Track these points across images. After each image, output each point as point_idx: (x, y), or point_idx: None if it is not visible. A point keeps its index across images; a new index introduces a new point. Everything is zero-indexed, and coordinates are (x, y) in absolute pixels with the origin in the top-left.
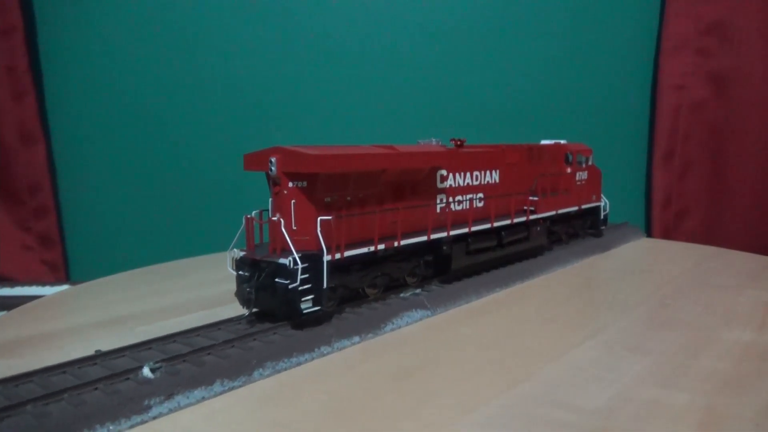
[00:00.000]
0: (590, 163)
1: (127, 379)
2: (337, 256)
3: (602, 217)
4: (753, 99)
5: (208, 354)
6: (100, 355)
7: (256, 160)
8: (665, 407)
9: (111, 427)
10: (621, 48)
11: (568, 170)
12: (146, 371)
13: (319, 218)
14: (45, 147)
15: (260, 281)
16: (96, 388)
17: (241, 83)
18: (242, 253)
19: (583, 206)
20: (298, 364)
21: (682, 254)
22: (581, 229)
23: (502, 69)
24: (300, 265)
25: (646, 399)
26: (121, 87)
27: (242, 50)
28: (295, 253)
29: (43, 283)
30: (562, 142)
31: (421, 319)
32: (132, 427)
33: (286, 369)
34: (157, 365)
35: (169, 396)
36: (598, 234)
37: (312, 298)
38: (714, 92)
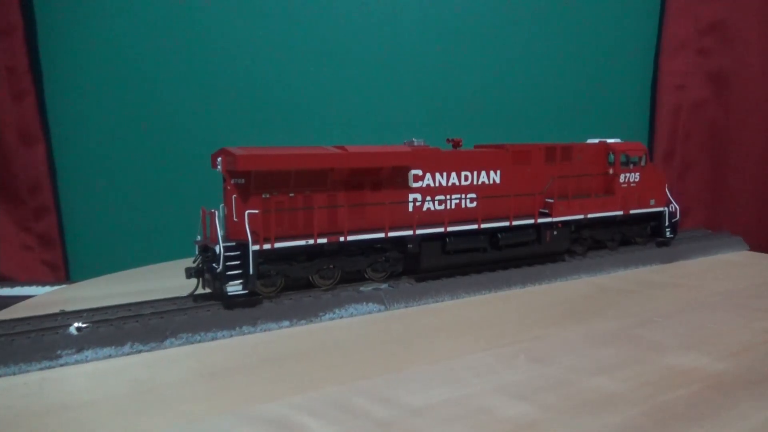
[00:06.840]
0: (644, 164)
1: (57, 333)
2: (267, 246)
3: (667, 223)
4: (753, 99)
5: (136, 321)
6: (61, 314)
7: (212, 161)
8: (486, 415)
9: (23, 366)
10: (621, 48)
11: (610, 171)
12: (72, 329)
13: (246, 212)
14: (45, 147)
15: (203, 264)
16: (29, 337)
17: (243, 82)
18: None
19: (633, 211)
20: (214, 339)
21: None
22: (638, 237)
23: (502, 70)
24: (223, 252)
25: (479, 406)
26: (122, 87)
27: (244, 48)
28: (220, 240)
29: (43, 283)
30: (610, 141)
31: (369, 313)
32: (41, 369)
33: (199, 342)
34: (85, 325)
35: (80, 350)
36: (666, 242)
37: (240, 282)
38: (714, 92)
